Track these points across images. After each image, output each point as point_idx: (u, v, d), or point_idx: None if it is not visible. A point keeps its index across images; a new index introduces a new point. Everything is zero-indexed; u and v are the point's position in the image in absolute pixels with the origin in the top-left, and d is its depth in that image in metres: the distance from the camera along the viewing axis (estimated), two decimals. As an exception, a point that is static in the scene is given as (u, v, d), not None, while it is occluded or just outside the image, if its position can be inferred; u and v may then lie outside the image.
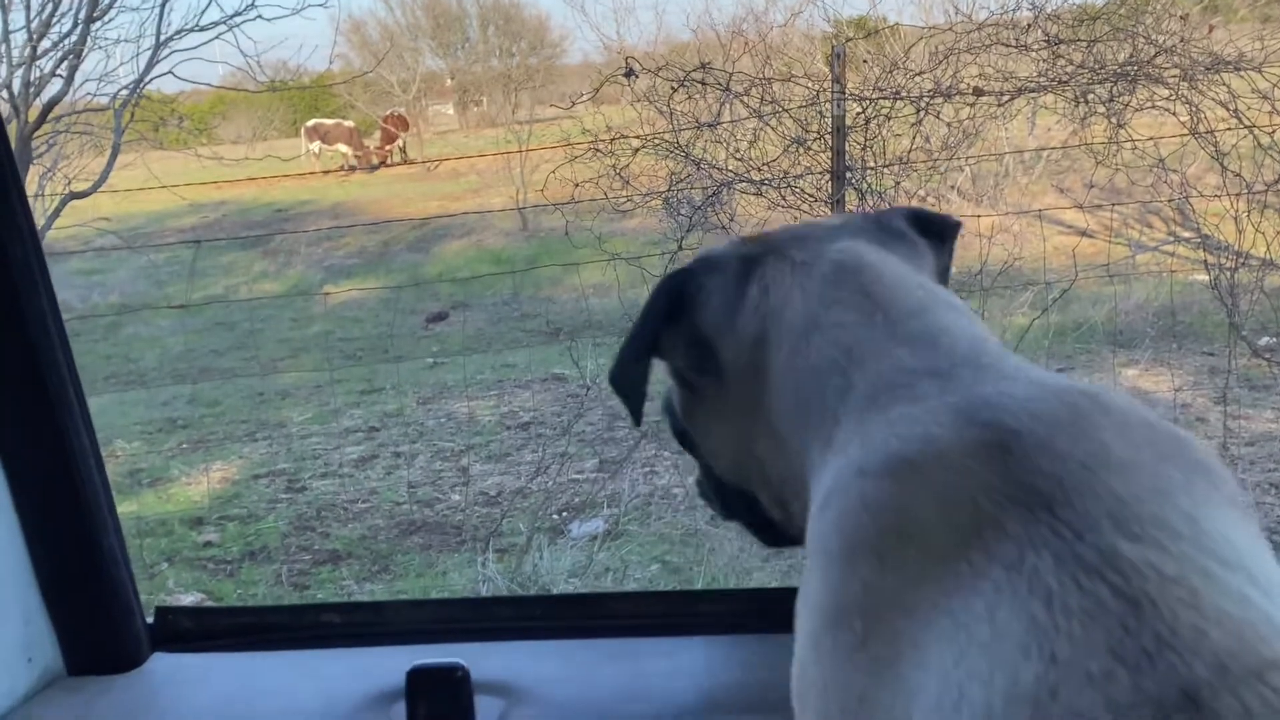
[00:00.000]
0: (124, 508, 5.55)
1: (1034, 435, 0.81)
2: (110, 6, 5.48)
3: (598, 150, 4.75)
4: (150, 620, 1.74)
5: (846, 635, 0.83)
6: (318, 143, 23.55)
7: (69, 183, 6.17)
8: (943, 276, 1.23)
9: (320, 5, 5.60)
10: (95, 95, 6.04)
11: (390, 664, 1.52)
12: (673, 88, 4.45)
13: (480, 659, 1.53)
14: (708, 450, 1.25)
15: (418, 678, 1.48)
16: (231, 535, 5.17)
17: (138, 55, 5.60)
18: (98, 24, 5.54)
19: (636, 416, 1.19)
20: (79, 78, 5.63)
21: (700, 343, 1.14)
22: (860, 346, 0.99)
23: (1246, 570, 0.74)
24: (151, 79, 5.77)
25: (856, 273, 1.06)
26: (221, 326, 9.74)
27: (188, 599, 4.61)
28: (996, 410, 0.84)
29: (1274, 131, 4.24)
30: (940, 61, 4.48)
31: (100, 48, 5.66)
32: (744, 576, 4.26)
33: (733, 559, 4.37)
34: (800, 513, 1.03)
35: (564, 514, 5.02)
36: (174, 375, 8.44)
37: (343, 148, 23.73)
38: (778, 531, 1.20)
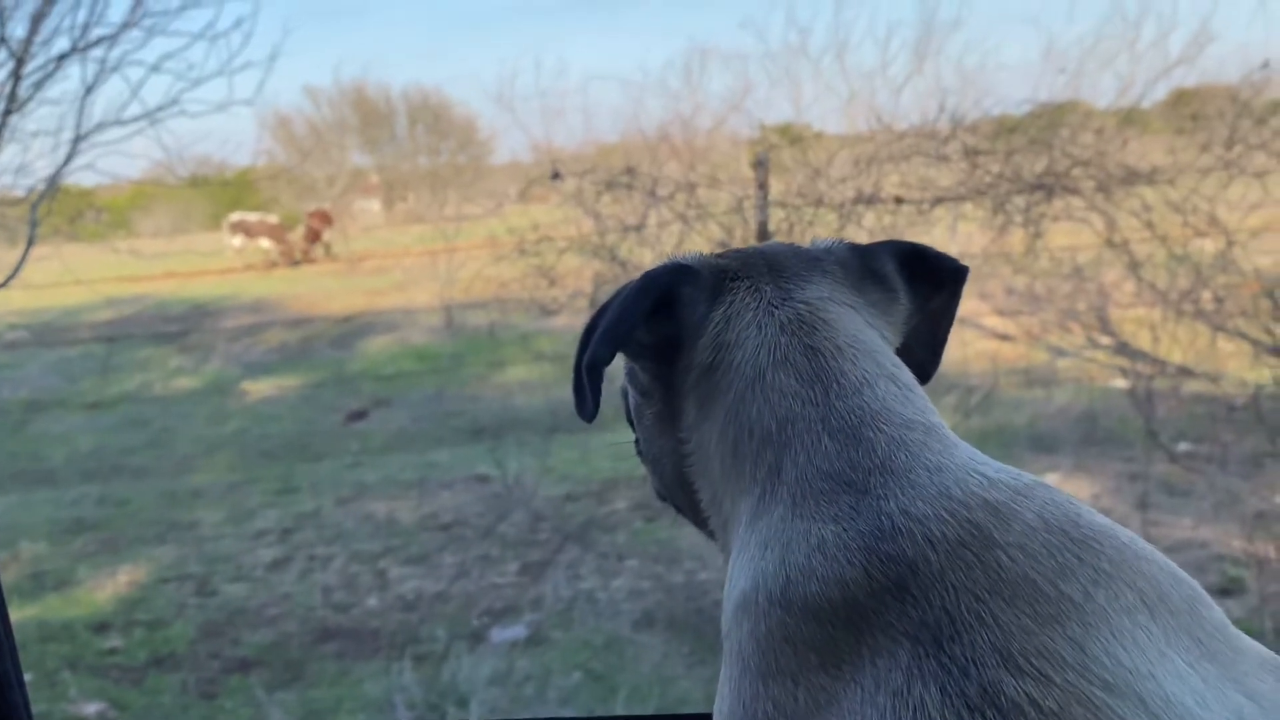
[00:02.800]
0: (26, 611, 5.35)
1: (929, 568, 0.85)
2: (29, 100, 5.40)
3: (523, 251, 4.75)
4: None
5: None
6: (240, 237, 23.43)
7: (-21, 276, 6.02)
8: (937, 322, 1.24)
9: (246, 104, 5.56)
10: (11, 187, 5.94)
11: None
12: (598, 191, 4.47)
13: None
14: (648, 454, 1.26)
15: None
16: (138, 641, 4.99)
17: (56, 149, 5.52)
18: (15, 116, 5.46)
19: (594, 410, 1.15)
20: (-6, 170, 5.54)
21: (664, 350, 1.14)
22: (794, 424, 1.00)
23: (1137, 694, 0.76)
24: (70, 172, 5.69)
25: (811, 330, 1.07)
26: (134, 424, 9.52)
27: (91, 708, 4.43)
28: (898, 542, 0.87)
29: (1187, 243, 4.35)
30: (862, 170, 4.56)
31: (17, 140, 5.57)
32: (668, 684, 4.18)
33: (656, 666, 4.29)
34: (721, 541, 1.11)
35: (484, 619, 4.91)
36: (83, 474, 8.21)
37: (265, 243, 23.63)
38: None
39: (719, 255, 1.19)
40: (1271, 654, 0.88)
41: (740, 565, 0.98)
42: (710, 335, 1.10)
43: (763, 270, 1.14)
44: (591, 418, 1.14)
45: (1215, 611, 0.87)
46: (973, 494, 0.90)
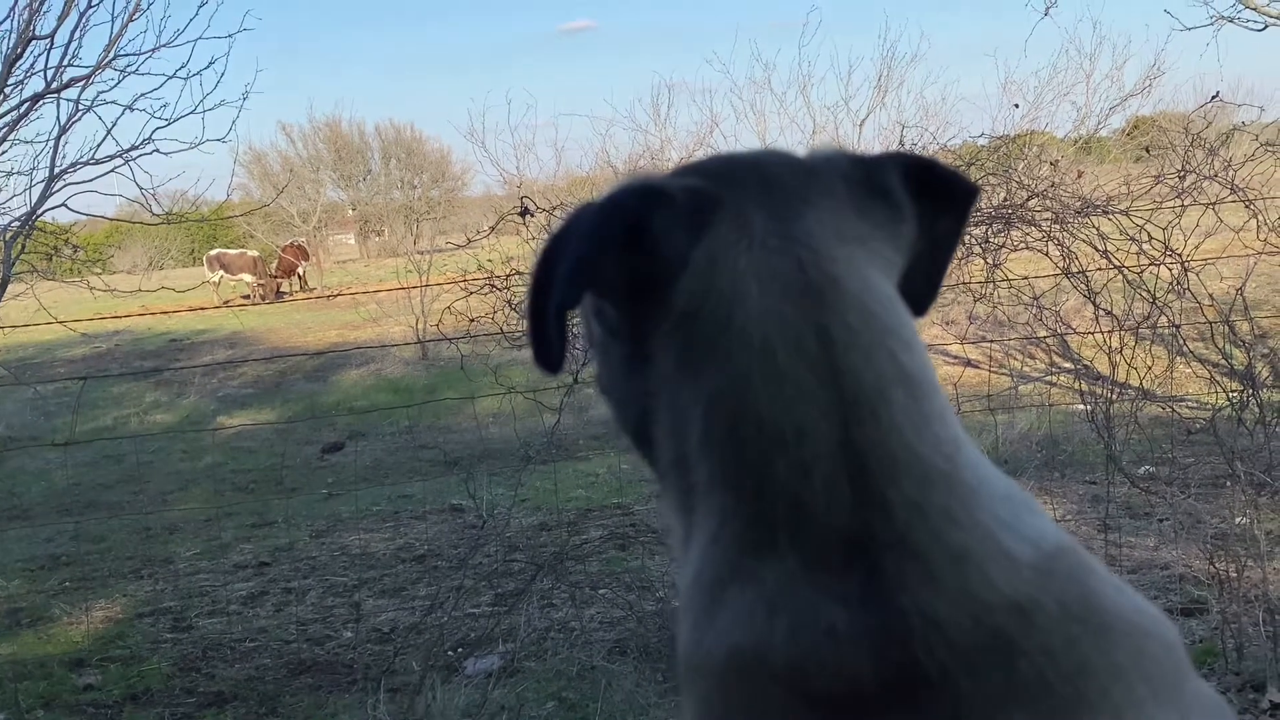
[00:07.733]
0: (1, 649, 5.36)
1: (944, 676, 0.77)
2: (2, 140, 5.43)
3: (494, 287, 4.82)
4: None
5: None
6: (220, 272, 23.46)
7: (-46, 315, 6.03)
8: (942, 246, 1.07)
9: (219, 140, 5.58)
10: (-15, 227, 5.95)
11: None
12: (566, 226, 4.53)
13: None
14: (612, 393, 1.07)
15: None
16: (113, 677, 5.01)
17: (30, 188, 5.53)
18: (-11, 157, 5.48)
19: (560, 359, 0.96)
20: (-32, 210, 5.54)
21: (635, 286, 0.94)
22: (813, 443, 0.84)
23: None
24: (44, 211, 5.71)
25: (820, 296, 0.88)
26: (110, 459, 9.52)
27: (66, 746, 4.44)
28: (912, 648, 0.78)
29: (1141, 271, 4.43)
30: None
31: (-9, 181, 5.58)
32: (642, 713, 4.22)
33: (629, 695, 4.33)
34: (679, 503, 0.94)
35: (459, 650, 4.95)
36: (59, 510, 8.22)
37: (247, 277, 23.67)
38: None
39: (695, 168, 1.00)
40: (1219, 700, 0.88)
41: (734, 607, 0.85)
42: (690, 279, 0.92)
43: (752, 190, 0.95)
44: (558, 368, 0.96)
45: (1192, 676, 0.86)
46: (997, 592, 0.80)
